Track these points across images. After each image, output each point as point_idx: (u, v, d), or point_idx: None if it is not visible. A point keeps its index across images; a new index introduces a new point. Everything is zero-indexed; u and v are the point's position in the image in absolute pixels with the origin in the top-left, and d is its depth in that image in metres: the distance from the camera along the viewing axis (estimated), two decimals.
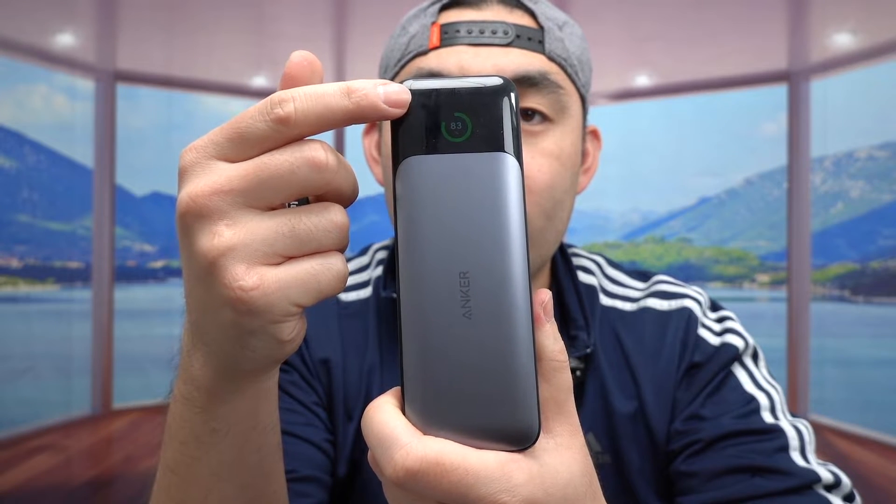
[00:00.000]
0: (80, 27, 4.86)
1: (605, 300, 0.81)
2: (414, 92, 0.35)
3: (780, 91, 5.51)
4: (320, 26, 4.84)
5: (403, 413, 0.35)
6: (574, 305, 0.78)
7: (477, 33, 0.69)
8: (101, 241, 5.41)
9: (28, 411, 5.58)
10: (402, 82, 0.36)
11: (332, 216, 0.36)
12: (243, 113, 0.36)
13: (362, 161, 0.84)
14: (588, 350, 0.74)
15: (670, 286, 0.81)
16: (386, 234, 0.85)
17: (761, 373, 0.74)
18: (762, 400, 0.71)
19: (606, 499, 0.39)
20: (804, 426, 0.69)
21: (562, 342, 0.36)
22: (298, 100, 0.35)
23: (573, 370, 0.74)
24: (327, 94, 0.35)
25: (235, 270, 0.35)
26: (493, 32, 0.69)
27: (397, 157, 0.35)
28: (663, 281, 0.82)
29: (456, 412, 0.34)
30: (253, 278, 0.35)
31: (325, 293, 0.36)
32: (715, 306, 0.81)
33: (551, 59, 0.70)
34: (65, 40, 4.91)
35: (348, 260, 0.86)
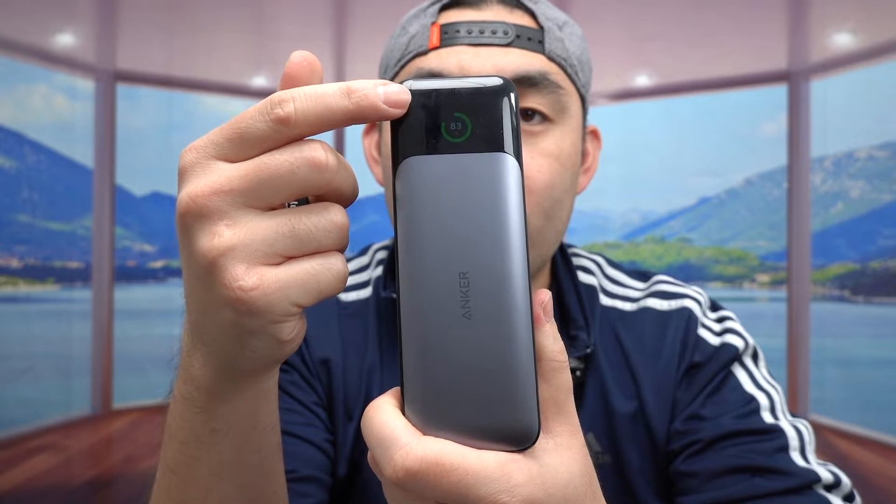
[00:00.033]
0: (80, 27, 4.86)
1: (605, 300, 0.81)
2: (414, 92, 0.35)
3: (780, 91, 5.51)
4: (320, 26, 4.84)
5: (403, 413, 0.35)
6: (574, 305, 0.78)
7: (477, 33, 0.69)
8: (101, 241, 5.41)
9: (28, 411, 5.58)
10: (402, 82, 0.36)
11: (332, 216, 0.36)
12: (243, 113, 0.36)
13: (362, 161, 0.84)
14: (588, 350, 0.74)
15: (670, 286, 0.81)
16: (386, 234, 0.85)
17: (761, 373, 0.74)
18: (762, 400, 0.71)
19: (606, 499, 0.39)
20: (804, 426, 0.69)
21: (561, 342, 0.36)
22: (298, 100, 0.35)
23: (573, 370, 0.74)
24: (327, 94, 0.35)
25: (235, 270, 0.35)
26: (493, 32, 0.69)
27: (397, 157, 0.35)
28: (663, 281, 0.82)
29: (456, 412, 0.34)
30: (253, 278, 0.35)
31: (325, 293, 0.36)
32: (715, 306, 0.81)
33: (551, 59, 0.70)
34: (65, 40, 4.91)
35: (348, 260, 0.86)
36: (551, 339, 0.36)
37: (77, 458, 4.28)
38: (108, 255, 5.41)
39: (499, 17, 0.70)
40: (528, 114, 0.69)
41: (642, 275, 0.85)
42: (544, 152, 0.70)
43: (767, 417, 0.69)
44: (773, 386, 0.73)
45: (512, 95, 0.35)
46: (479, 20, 0.69)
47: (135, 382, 6.11)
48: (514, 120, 0.35)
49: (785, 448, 0.66)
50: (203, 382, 0.42)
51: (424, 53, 0.70)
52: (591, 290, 0.81)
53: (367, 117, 0.35)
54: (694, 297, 0.79)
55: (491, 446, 0.34)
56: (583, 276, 0.83)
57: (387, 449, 0.34)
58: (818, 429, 4.63)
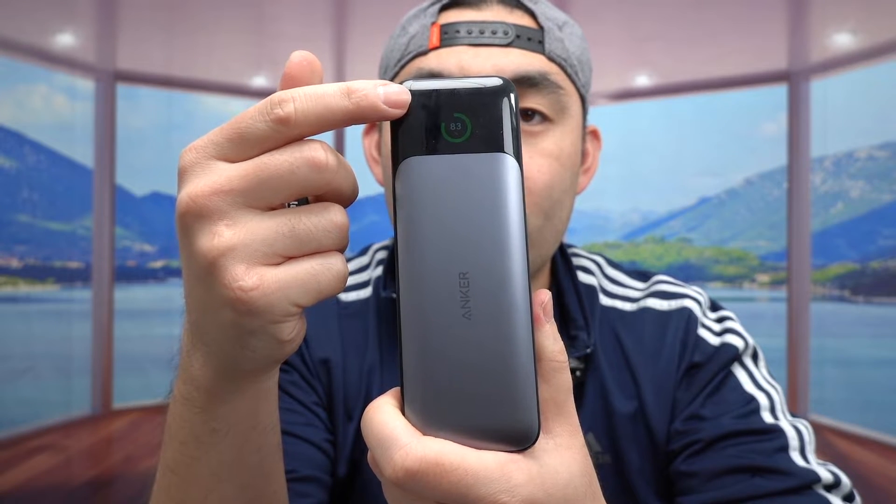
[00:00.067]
0: (80, 27, 4.86)
1: (604, 300, 0.81)
2: (414, 92, 0.35)
3: (780, 91, 5.51)
4: (320, 26, 4.84)
5: (403, 413, 0.35)
6: (574, 305, 0.78)
7: (477, 33, 0.69)
8: (101, 241, 5.41)
9: (28, 411, 5.58)
10: (401, 83, 0.36)
11: (332, 216, 0.36)
12: (243, 113, 0.36)
13: (362, 161, 0.84)
14: (588, 350, 0.74)
15: (670, 286, 0.81)
16: (386, 234, 0.86)
17: (761, 373, 0.74)
18: (762, 400, 0.71)
19: (606, 499, 0.39)
20: (804, 426, 0.69)
21: (561, 342, 0.36)
22: (298, 100, 0.35)
23: (573, 370, 0.74)
24: (327, 94, 0.35)
25: (235, 270, 0.35)
26: (493, 33, 0.69)
27: (397, 157, 0.35)
28: (663, 281, 0.82)
29: (455, 413, 0.34)
30: (253, 278, 0.35)
31: (324, 293, 0.36)
32: (715, 306, 0.81)
33: (551, 59, 0.70)
34: (65, 40, 4.91)
35: (348, 260, 0.86)
36: (551, 340, 0.36)
37: (77, 458, 4.28)
38: (108, 255, 5.41)
39: (499, 18, 0.70)
40: (528, 114, 0.69)
41: (642, 275, 0.85)
42: (544, 152, 0.69)
43: (767, 417, 0.69)
44: (773, 386, 0.73)
45: (512, 96, 0.35)
46: (479, 20, 0.69)
47: (135, 382, 6.11)
48: (513, 120, 0.35)
49: (785, 448, 0.66)
50: (203, 382, 0.42)
51: (424, 54, 0.70)
52: (591, 290, 0.81)
53: (367, 117, 0.35)
54: (694, 297, 0.79)
55: (491, 446, 0.34)
56: (583, 276, 0.83)
57: (387, 449, 0.34)
58: (818, 429, 4.63)
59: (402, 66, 0.72)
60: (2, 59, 5.19)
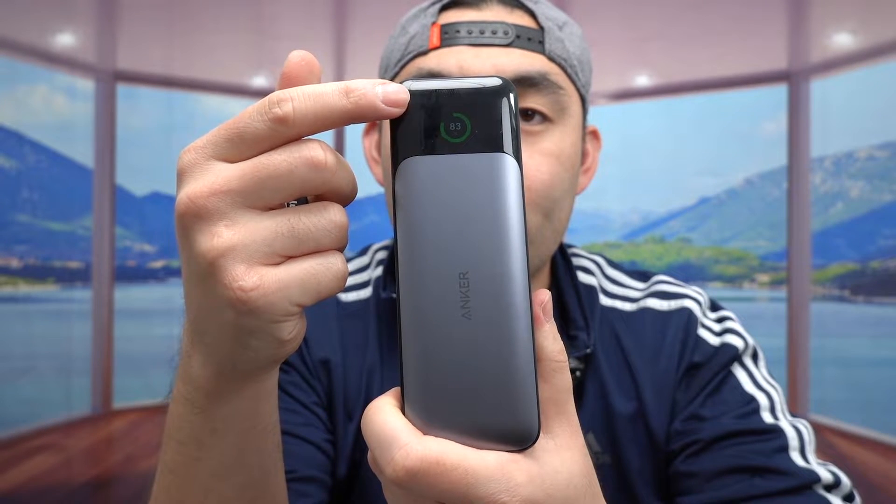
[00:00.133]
0: (80, 27, 4.86)
1: (604, 300, 0.81)
2: (413, 92, 0.35)
3: (780, 91, 5.51)
4: (320, 26, 4.84)
5: (403, 413, 0.35)
6: (574, 306, 0.78)
7: (477, 33, 0.69)
8: (101, 241, 5.40)
9: (28, 411, 5.58)
10: (401, 83, 0.36)
11: (331, 215, 0.36)
12: (242, 113, 0.36)
13: (362, 161, 0.84)
14: (588, 350, 0.74)
15: (670, 286, 0.81)
16: (386, 234, 0.85)
17: (761, 373, 0.74)
18: (762, 400, 0.71)
19: (606, 499, 0.39)
20: (804, 426, 0.69)
21: (561, 342, 0.36)
22: (297, 99, 0.35)
23: (573, 370, 0.74)
24: (326, 93, 0.35)
25: (235, 271, 0.35)
26: (494, 33, 0.69)
27: (396, 157, 0.35)
28: (663, 281, 0.82)
29: (456, 412, 0.34)
30: (253, 278, 0.35)
31: (324, 293, 0.36)
32: (715, 306, 0.81)
33: (551, 59, 0.70)
34: (65, 40, 4.91)
35: (348, 260, 0.86)
36: (551, 340, 0.36)
37: (77, 458, 4.28)
38: (108, 255, 5.41)
39: (499, 18, 0.70)
40: (528, 114, 0.69)
41: (642, 275, 0.85)
42: (544, 152, 0.69)
43: (767, 417, 0.69)
44: (772, 386, 0.73)
45: (511, 96, 0.35)
46: (479, 20, 0.69)
47: (135, 382, 6.11)
48: (513, 120, 0.35)
49: (785, 448, 0.66)
50: (203, 383, 0.42)
51: (424, 54, 0.70)
52: (591, 290, 0.81)
53: (366, 116, 0.35)
54: (694, 298, 0.79)
55: (491, 446, 0.34)
56: (582, 277, 0.83)
57: (387, 449, 0.34)
58: (818, 429, 4.63)
59: (402, 66, 0.72)
60: (2, 59, 5.19)
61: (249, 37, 5.12)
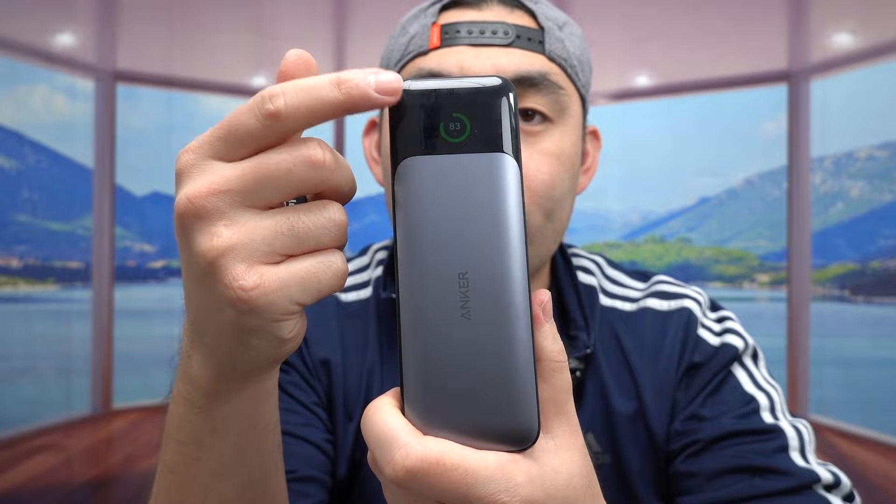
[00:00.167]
0: (80, 27, 4.86)
1: (604, 300, 0.81)
2: (412, 92, 0.35)
3: (780, 91, 5.51)
4: (320, 26, 4.84)
5: (403, 413, 0.35)
6: (574, 306, 0.78)
7: (477, 34, 0.69)
8: (101, 241, 5.40)
9: (28, 411, 5.58)
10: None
11: (331, 214, 0.36)
12: (235, 110, 0.35)
13: (362, 161, 0.84)
14: (588, 350, 0.74)
15: (670, 286, 0.81)
16: (386, 234, 0.85)
17: (761, 373, 0.74)
18: (762, 400, 0.71)
19: (606, 499, 0.39)
20: (804, 426, 0.69)
21: (561, 343, 0.36)
22: (288, 94, 0.34)
23: (573, 370, 0.74)
24: (317, 86, 0.34)
25: (235, 270, 0.35)
26: (494, 33, 0.69)
27: (396, 157, 0.35)
28: (663, 281, 0.82)
29: (455, 413, 0.34)
30: (253, 277, 0.35)
31: (325, 291, 0.36)
32: (715, 306, 0.81)
33: (551, 59, 0.70)
34: (65, 40, 4.91)
35: (348, 260, 0.86)
36: (550, 340, 0.36)
37: (77, 458, 4.28)
38: (108, 255, 5.41)
39: (499, 18, 0.70)
40: (528, 114, 0.69)
41: (642, 275, 0.85)
42: (544, 152, 0.69)
43: (767, 417, 0.69)
44: (772, 386, 0.73)
45: (511, 95, 0.35)
46: (479, 20, 0.69)
47: (135, 382, 6.11)
48: (512, 120, 0.35)
49: (785, 448, 0.66)
50: (203, 383, 0.42)
51: (425, 54, 0.70)
52: (591, 290, 0.81)
53: (359, 107, 0.35)
54: (694, 298, 0.79)
55: (491, 446, 0.34)
56: (582, 277, 0.83)
57: (387, 449, 0.34)
58: (818, 429, 4.63)
59: (403, 67, 0.72)
60: (2, 59, 5.19)
61: (249, 37, 5.12)
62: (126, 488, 3.67)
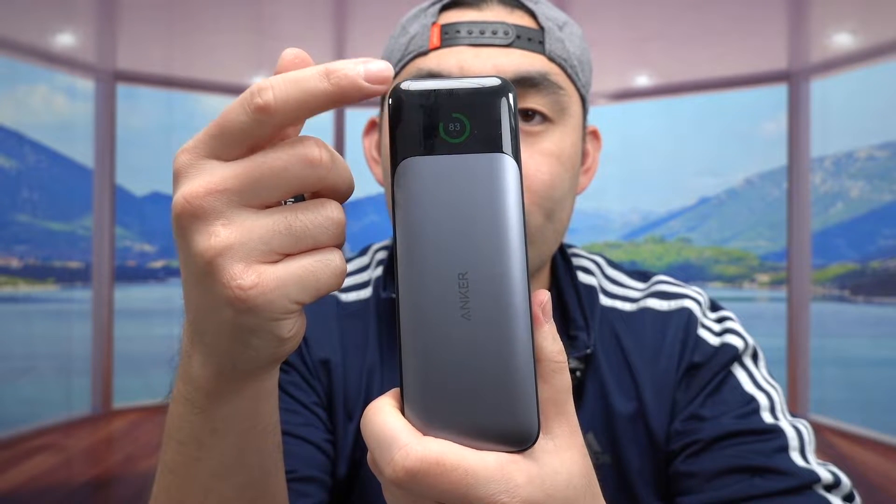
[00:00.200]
0: (80, 27, 4.86)
1: (604, 300, 0.81)
2: (412, 93, 0.35)
3: (780, 91, 5.51)
4: (320, 26, 4.84)
5: (403, 414, 0.35)
6: (574, 306, 0.78)
7: (477, 34, 0.69)
8: (101, 241, 5.41)
9: (28, 411, 5.58)
10: (401, 83, 0.36)
11: (328, 212, 0.36)
12: (227, 107, 0.35)
13: (362, 161, 0.84)
14: (588, 350, 0.74)
15: (670, 286, 0.81)
16: (386, 234, 0.85)
17: (761, 373, 0.74)
18: (762, 400, 0.70)
19: (606, 499, 0.39)
20: (804, 426, 0.69)
21: (560, 343, 0.36)
22: (277, 87, 0.34)
23: (573, 371, 0.74)
24: (306, 77, 0.34)
25: (233, 269, 0.35)
26: (494, 33, 0.68)
27: (395, 158, 0.35)
28: (663, 281, 0.82)
29: (455, 413, 0.34)
30: (251, 277, 0.35)
31: (323, 290, 0.36)
32: (715, 306, 0.81)
33: (552, 59, 0.70)
34: (65, 40, 4.91)
35: (348, 260, 0.86)
36: (550, 340, 0.36)
37: (77, 458, 4.28)
38: (108, 255, 5.41)
39: (499, 18, 0.70)
40: (528, 114, 0.69)
41: (642, 275, 0.85)
42: (544, 152, 0.69)
43: (767, 417, 0.69)
44: (772, 386, 0.73)
45: (510, 96, 0.35)
46: (479, 20, 0.69)
47: (135, 382, 6.11)
48: (512, 120, 0.35)
49: (785, 448, 0.66)
50: (203, 383, 0.42)
51: (425, 54, 0.70)
52: (591, 290, 0.81)
53: (350, 97, 0.34)
54: (694, 298, 0.79)
55: (490, 447, 0.34)
56: (582, 277, 0.83)
57: (386, 449, 0.34)
58: (818, 429, 4.63)
59: (403, 67, 0.72)
60: (2, 59, 5.19)
61: (249, 37, 5.12)
62: (126, 488, 3.67)
